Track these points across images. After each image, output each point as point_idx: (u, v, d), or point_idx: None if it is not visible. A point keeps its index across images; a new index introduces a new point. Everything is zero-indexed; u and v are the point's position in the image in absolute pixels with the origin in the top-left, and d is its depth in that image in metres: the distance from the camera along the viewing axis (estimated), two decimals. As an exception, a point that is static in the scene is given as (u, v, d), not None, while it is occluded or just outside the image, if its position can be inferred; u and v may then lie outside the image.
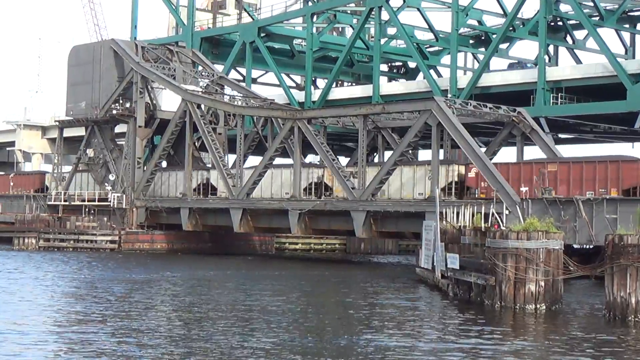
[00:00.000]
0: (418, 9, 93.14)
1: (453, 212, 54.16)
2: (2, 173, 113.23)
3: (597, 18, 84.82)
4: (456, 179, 66.12)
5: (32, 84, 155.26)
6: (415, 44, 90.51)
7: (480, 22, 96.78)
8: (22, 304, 41.01)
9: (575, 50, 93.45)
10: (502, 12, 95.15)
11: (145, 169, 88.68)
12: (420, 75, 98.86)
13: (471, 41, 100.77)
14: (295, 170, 75.15)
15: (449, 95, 79.24)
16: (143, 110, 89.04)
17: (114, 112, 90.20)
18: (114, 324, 34.55)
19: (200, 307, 40.52)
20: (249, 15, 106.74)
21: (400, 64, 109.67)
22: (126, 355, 28.23)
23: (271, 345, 30.24)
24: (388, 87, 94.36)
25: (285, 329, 33.82)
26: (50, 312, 38.37)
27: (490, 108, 68.08)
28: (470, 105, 67.81)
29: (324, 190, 75.22)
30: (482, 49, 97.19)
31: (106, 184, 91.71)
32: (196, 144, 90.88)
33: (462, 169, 66.09)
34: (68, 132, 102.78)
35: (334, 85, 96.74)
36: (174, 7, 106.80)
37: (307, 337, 32.20)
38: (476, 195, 62.04)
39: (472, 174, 63.60)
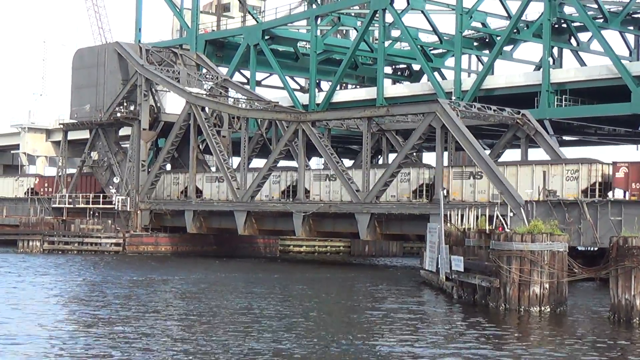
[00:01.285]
0: (422, 12, 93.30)
1: (457, 215, 54.14)
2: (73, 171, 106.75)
3: (602, 20, 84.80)
4: (600, 180, 59.54)
5: (37, 87, 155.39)
6: (419, 47, 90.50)
7: (484, 25, 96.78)
8: (24, 308, 40.99)
9: (580, 53, 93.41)
10: (506, 15, 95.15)
11: (149, 171, 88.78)
12: (425, 78, 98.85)
13: (475, 43, 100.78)
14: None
15: (453, 98, 79.26)
16: (147, 113, 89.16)
17: (118, 115, 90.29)
18: (116, 328, 34.54)
19: (203, 311, 40.49)
20: (253, 17, 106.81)
21: (405, 66, 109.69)
22: None
23: (273, 350, 30.20)
24: (392, 89, 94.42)
25: (288, 333, 33.77)
26: (53, 316, 38.35)
27: (494, 110, 68.07)
28: (475, 107, 67.79)
29: (433, 192, 66.88)
30: (486, 51, 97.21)
31: (110, 187, 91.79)
32: (200, 146, 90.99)
33: (607, 168, 59.67)
34: (72, 135, 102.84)
35: (338, 87, 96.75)
36: (178, 10, 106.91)
37: (310, 342, 32.15)
38: (626, 197, 56.16)
39: (620, 174, 57.03)
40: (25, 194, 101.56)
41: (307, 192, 75.89)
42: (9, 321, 35.60)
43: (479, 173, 63.65)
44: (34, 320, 36.13)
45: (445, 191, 63.03)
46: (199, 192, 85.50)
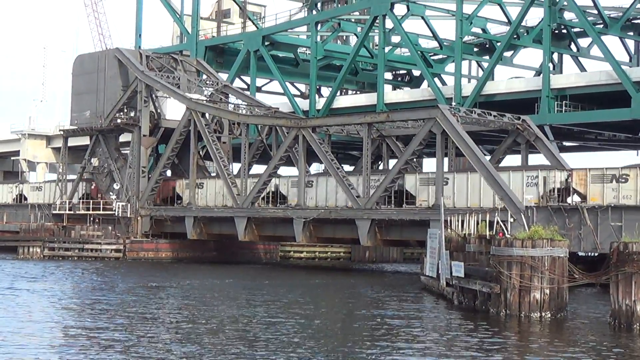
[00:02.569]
0: (422, 17, 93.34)
1: (458, 220, 54.11)
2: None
3: (602, 26, 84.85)
4: None
5: (37, 93, 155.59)
6: (419, 52, 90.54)
7: (484, 30, 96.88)
8: (21, 314, 40.95)
9: (580, 58, 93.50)
10: (506, 20, 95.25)
11: (149, 177, 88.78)
12: (425, 84, 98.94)
13: (475, 49, 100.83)
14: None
15: (454, 104, 79.27)
16: (147, 119, 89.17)
17: (119, 121, 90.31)
18: (114, 334, 34.51)
19: (203, 318, 40.46)
20: (253, 23, 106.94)
21: (405, 72, 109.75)
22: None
23: (271, 357, 30.12)
24: (392, 95, 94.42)
25: (286, 340, 33.71)
26: (50, 322, 38.31)
27: (494, 116, 68.08)
28: (475, 113, 67.80)
29: (571, 194, 59.16)
30: (487, 57, 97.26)
31: (111, 193, 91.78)
32: (201, 152, 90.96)
33: None
34: (73, 141, 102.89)
35: (338, 93, 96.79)
36: (178, 16, 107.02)
37: (309, 349, 32.10)
38: None
39: None
40: (79, 199, 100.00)
41: (411, 196, 68.86)
42: (6, 327, 35.55)
43: (624, 176, 55.95)
44: (31, 326, 36.08)
45: (581, 196, 57.91)
46: (283, 197, 79.40)
